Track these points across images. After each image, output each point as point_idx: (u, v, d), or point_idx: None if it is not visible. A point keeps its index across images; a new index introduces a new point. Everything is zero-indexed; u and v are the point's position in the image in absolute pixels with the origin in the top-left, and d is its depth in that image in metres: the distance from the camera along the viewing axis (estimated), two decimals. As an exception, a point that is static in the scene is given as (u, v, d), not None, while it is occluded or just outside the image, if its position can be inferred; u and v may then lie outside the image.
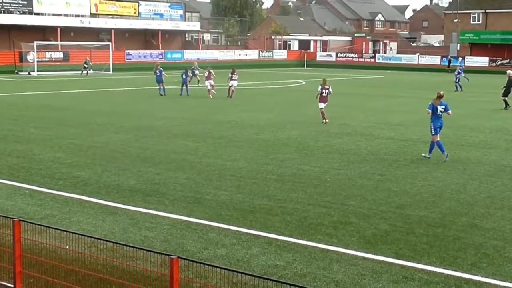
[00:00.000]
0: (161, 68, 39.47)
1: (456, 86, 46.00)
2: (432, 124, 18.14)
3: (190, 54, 78.85)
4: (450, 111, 18.43)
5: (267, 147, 19.89)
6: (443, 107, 18.17)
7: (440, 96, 18.21)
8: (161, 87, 38.92)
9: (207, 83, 38.22)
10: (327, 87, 25.80)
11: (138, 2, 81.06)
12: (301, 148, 19.78)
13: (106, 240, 8.23)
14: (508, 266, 9.44)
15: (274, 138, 21.78)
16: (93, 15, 76.73)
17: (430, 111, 18.14)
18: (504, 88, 34.30)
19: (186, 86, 39.53)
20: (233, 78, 37.89)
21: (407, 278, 8.93)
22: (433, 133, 18.10)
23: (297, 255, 9.80)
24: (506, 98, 33.81)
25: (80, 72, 59.49)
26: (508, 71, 36.10)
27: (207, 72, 38.05)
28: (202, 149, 19.27)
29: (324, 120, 25.79)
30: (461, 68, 48.51)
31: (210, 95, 36.94)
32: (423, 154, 18.46)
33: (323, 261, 9.56)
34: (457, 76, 46.92)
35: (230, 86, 37.92)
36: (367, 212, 12.28)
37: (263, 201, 13.00)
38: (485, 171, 16.60)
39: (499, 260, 9.69)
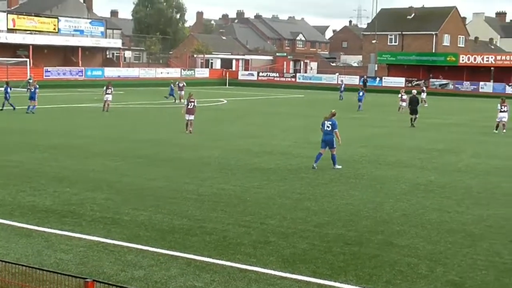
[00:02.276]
0: (36, 85, 39.19)
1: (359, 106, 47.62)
2: (322, 138, 20.16)
3: (111, 72, 77.95)
4: (336, 130, 20.08)
5: (188, 166, 19.81)
6: (330, 123, 20.04)
7: (332, 114, 20.23)
8: (32, 105, 37.07)
9: (107, 97, 39.54)
10: (192, 100, 28.71)
11: (57, 18, 79.66)
12: (221, 167, 19.79)
13: (18, 264, 7.98)
14: (421, 283, 9.67)
15: (195, 157, 21.73)
16: (10, 30, 74.90)
17: (321, 127, 20.27)
18: (410, 107, 36.25)
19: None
20: (108, 92, 39.43)
21: (324, 297, 9.03)
22: (322, 147, 20.09)
23: (216, 275, 9.77)
24: (412, 117, 35.34)
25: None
26: (413, 91, 38.01)
27: (109, 88, 39.72)
28: (122, 168, 19.03)
29: (188, 131, 28.23)
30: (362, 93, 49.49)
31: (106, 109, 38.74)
32: (336, 167, 19.91)
33: (241, 281, 9.56)
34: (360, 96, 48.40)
35: (106, 100, 39.33)
36: (286, 231, 12.37)
37: (182, 221, 12.92)
38: (400, 189, 17.01)
39: (413, 277, 9.92)
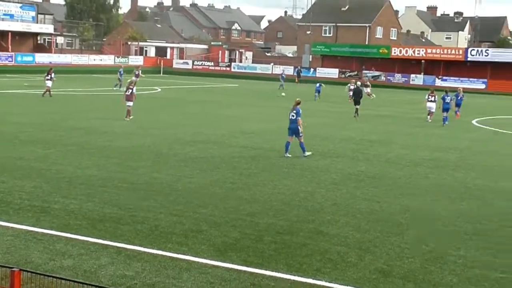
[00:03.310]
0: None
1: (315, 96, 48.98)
2: (288, 126, 20.79)
3: (42, 58, 76.34)
4: (299, 118, 20.71)
5: (120, 154, 19.61)
6: (295, 112, 20.71)
7: (297, 103, 21.02)
8: None
9: (47, 83, 39.76)
10: (131, 87, 29.34)
11: (-14, 2, 77.48)
12: (154, 155, 19.67)
13: None
14: (350, 271, 9.86)
15: (127, 145, 21.52)
16: None
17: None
18: (354, 98, 36.92)
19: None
20: (48, 78, 39.87)
21: (254, 285, 9.10)
22: (289, 134, 20.76)
23: (147, 264, 9.73)
24: (358, 107, 35.78)
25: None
26: (358, 82, 38.88)
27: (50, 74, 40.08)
28: (52, 156, 18.69)
29: (127, 118, 28.64)
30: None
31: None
32: (305, 154, 20.61)
33: (173, 270, 9.55)
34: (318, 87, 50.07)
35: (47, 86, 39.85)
36: (218, 220, 12.40)
37: (113, 210, 12.80)
38: (332, 179, 17.25)
39: (342, 265, 10.10)
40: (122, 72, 51.68)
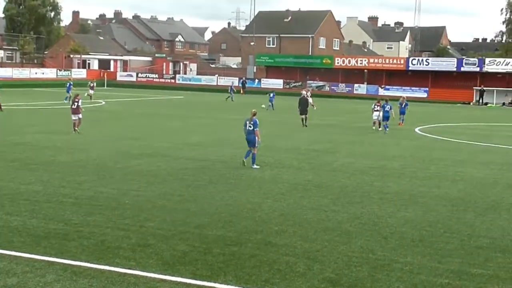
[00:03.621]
0: None
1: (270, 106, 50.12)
2: (246, 138, 20.97)
3: (-19, 72, 74.72)
4: (257, 129, 20.82)
5: (64, 169, 19.31)
6: (252, 123, 20.81)
7: (253, 114, 20.98)
8: None
9: None
10: (77, 100, 29.53)
11: None
12: (99, 169, 19.43)
13: None
14: (299, 281, 9.88)
15: (71, 159, 21.21)
16: None
17: (244, 127, 21.00)
18: (300, 108, 37.38)
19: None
20: None
21: (204, 298, 9.05)
22: (249, 146, 20.93)
23: (93, 280, 9.57)
24: (303, 117, 36.45)
25: None
26: (303, 91, 39.69)
27: None
28: (-6, 173, 18.28)
29: (74, 131, 28.97)
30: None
31: None
32: (253, 167, 20.67)
33: (120, 285, 9.42)
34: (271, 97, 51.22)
35: None
36: (166, 233, 12.30)
37: (58, 226, 12.58)
38: (278, 189, 17.31)
39: (291, 275, 10.13)
40: (70, 85, 52.01)
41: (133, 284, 9.47)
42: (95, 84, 56.64)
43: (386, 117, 34.97)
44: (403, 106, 38.98)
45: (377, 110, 35.83)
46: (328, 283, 9.84)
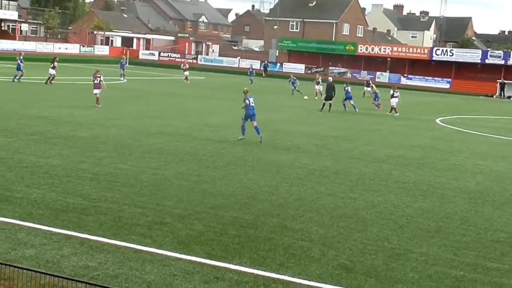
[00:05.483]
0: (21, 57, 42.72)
1: (293, 91, 50.79)
2: (245, 113, 22.66)
3: (5, 44, 75.27)
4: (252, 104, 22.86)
5: (83, 144, 19.42)
6: (253, 99, 22.85)
7: (246, 92, 23.24)
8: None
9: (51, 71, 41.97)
10: (99, 75, 30.71)
11: None
12: (119, 146, 19.52)
13: None
14: (313, 266, 9.91)
15: (91, 135, 21.33)
16: None
17: (247, 102, 22.65)
18: (327, 93, 38.24)
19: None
20: (51, 66, 42.01)
21: (218, 278, 9.09)
22: (243, 119, 22.77)
23: (110, 255, 9.65)
24: (326, 102, 37.77)
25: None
26: (329, 78, 40.55)
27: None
28: (14, 145, 18.43)
29: (97, 105, 29.83)
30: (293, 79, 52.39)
31: None
32: (239, 138, 22.49)
33: (136, 261, 9.49)
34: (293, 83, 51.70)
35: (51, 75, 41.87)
36: (182, 212, 12.36)
37: (77, 200, 12.68)
38: (296, 174, 17.30)
39: (305, 260, 10.14)
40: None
41: (148, 261, 9.53)
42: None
43: (349, 97, 39.19)
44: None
45: (395, 97, 38.73)
46: (342, 270, 9.85)
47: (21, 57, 42.81)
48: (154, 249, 10.06)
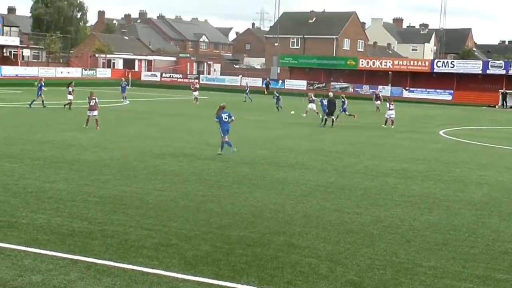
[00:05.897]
0: (42, 83, 42.98)
1: (277, 108, 50.18)
2: (220, 128, 23.45)
3: (8, 70, 75.61)
4: (232, 118, 23.72)
5: (88, 168, 19.44)
6: (227, 115, 23.51)
7: (222, 107, 23.86)
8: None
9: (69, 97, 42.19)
10: (94, 97, 30.79)
11: (-50, 14, 76.45)
12: (123, 168, 19.53)
13: None
14: (321, 283, 9.86)
15: (96, 158, 21.35)
16: None
17: (217, 120, 23.52)
18: (328, 109, 38.05)
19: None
20: (69, 91, 42.15)
21: (226, 299, 9.06)
22: (222, 135, 23.36)
23: (117, 279, 9.63)
24: (327, 118, 37.81)
25: None
26: (330, 93, 40.75)
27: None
28: (19, 171, 18.46)
29: (87, 125, 30.41)
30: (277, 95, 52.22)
31: None
32: (218, 153, 23.22)
33: (143, 284, 9.47)
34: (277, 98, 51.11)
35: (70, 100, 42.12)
36: (188, 233, 12.33)
37: (82, 224, 12.67)
38: (301, 191, 17.28)
39: (313, 277, 10.10)
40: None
41: (156, 284, 9.50)
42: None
43: (324, 111, 38.25)
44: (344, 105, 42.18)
45: (391, 109, 39.10)
46: (351, 286, 9.80)
47: (42, 83, 43.00)
48: (161, 271, 10.03)
